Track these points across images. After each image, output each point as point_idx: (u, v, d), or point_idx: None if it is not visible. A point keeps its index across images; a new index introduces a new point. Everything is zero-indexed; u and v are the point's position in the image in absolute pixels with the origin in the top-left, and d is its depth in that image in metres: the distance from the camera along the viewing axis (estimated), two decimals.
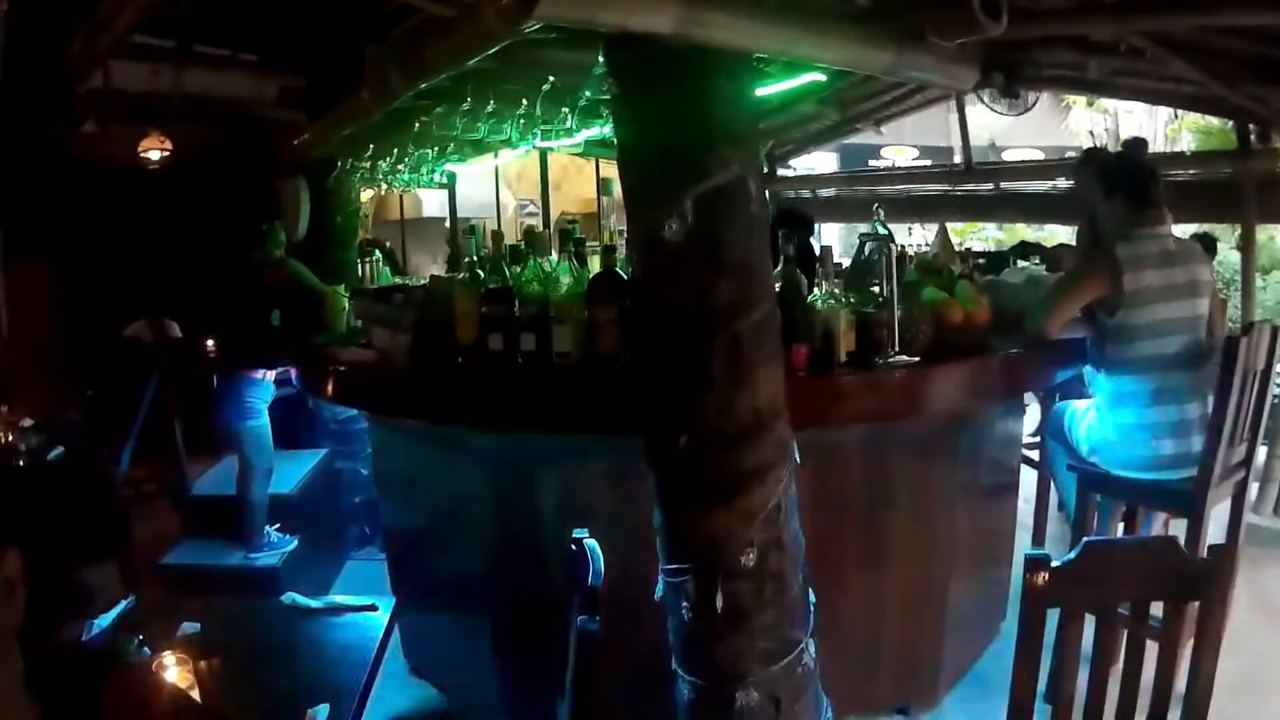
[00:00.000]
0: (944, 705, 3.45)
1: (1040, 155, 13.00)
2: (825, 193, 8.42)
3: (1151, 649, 1.85)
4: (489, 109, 4.01)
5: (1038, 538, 4.61)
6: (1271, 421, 4.56)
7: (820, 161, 12.45)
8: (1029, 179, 7.15)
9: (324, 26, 4.68)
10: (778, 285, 2.67)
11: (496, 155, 5.79)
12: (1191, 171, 5.79)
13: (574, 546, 1.98)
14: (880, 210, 3.66)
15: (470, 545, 3.37)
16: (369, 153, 5.34)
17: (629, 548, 2.35)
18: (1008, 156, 13.92)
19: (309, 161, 5.73)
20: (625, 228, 2.69)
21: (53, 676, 1.18)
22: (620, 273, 2.91)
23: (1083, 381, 3.90)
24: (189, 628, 2.14)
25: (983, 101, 7.02)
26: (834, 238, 11.89)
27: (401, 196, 10.60)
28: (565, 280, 3.04)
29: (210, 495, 5.17)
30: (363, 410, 4.45)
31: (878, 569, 3.22)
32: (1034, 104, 7.99)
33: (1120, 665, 1.88)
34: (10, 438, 4.10)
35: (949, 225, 4.20)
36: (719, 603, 2.35)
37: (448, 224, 10.30)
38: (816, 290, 3.02)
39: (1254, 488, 4.35)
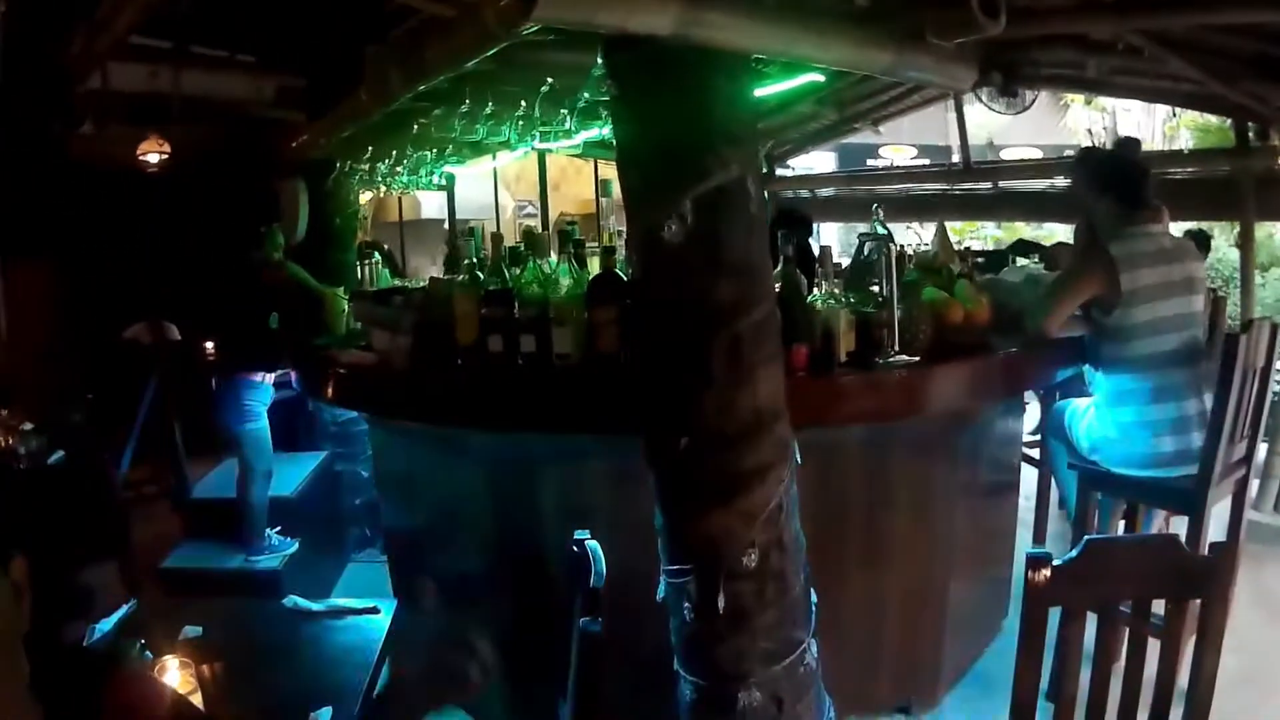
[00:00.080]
0: (945, 704, 3.44)
1: (1038, 154, 13.00)
2: (824, 192, 8.42)
3: (1153, 647, 1.85)
4: (488, 110, 4.01)
5: (1038, 536, 4.62)
6: (1271, 419, 4.56)
7: (819, 161, 12.45)
8: (1027, 178, 7.14)
9: (323, 27, 4.67)
10: (777, 285, 2.67)
11: (495, 157, 5.78)
12: (1190, 169, 5.78)
13: (575, 548, 1.98)
14: (879, 210, 3.66)
15: (471, 547, 3.37)
16: (368, 154, 5.34)
17: (630, 548, 2.35)
18: (1006, 155, 13.93)
19: (308, 163, 5.73)
20: (624, 228, 2.69)
21: (55, 680, 1.18)
22: (620, 274, 2.91)
23: (1083, 380, 3.91)
24: (191, 631, 2.14)
25: (981, 100, 7.05)
26: (833, 237, 11.89)
27: (400, 198, 10.60)
28: (565, 282, 3.04)
29: (210, 498, 5.17)
30: (363, 412, 4.46)
31: (879, 568, 3.22)
32: (1032, 103, 8.02)
33: (1122, 663, 1.88)
34: (10, 441, 4.10)
35: (947, 224, 4.19)
36: (721, 603, 2.35)
37: (446, 225, 10.30)
38: (816, 290, 3.02)
39: (1254, 485, 4.35)
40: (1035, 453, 4.75)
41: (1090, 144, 12.44)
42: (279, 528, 4.89)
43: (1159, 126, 13.77)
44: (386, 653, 2.42)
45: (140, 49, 5.10)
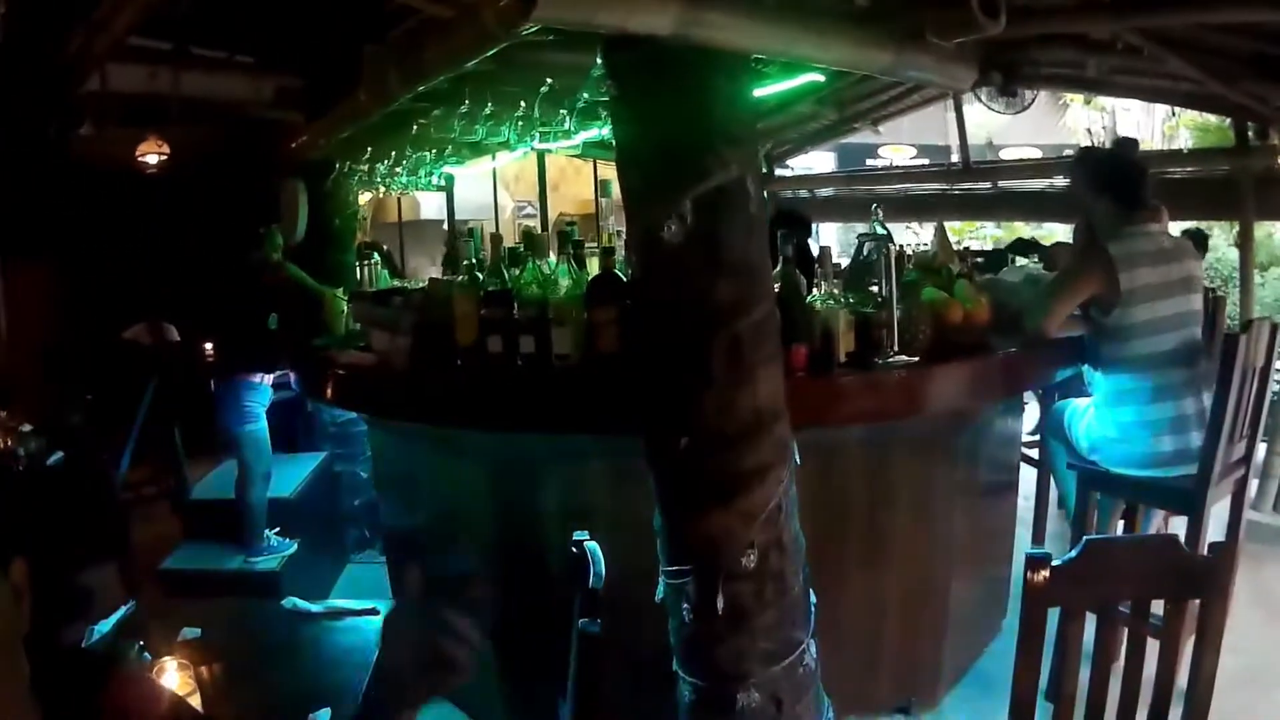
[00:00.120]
0: (945, 704, 3.44)
1: (1038, 153, 13.02)
2: (823, 192, 8.43)
3: (1152, 646, 1.84)
4: (487, 111, 4.01)
5: (1037, 536, 4.61)
6: (1271, 418, 4.57)
7: (818, 161, 12.45)
8: (1027, 177, 7.15)
9: (322, 28, 4.67)
10: (776, 286, 2.67)
11: (494, 157, 5.78)
12: (1189, 169, 5.79)
13: (574, 548, 1.97)
14: (879, 210, 3.66)
15: (471, 547, 3.37)
16: (367, 155, 5.34)
17: (630, 549, 2.35)
18: (1005, 155, 13.94)
19: (307, 164, 5.73)
20: (624, 229, 2.68)
21: (54, 682, 1.18)
22: (619, 274, 2.91)
23: (1082, 380, 3.91)
24: (189, 632, 2.13)
25: (980, 100, 7.04)
26: (832, 237, 11.89)
27: (399, 199, 10.60)
28: (564, 282, 3.04)
29: (210, 499, 5.17)
30: (362, 413, 4.46)
31: (878, 568, 3.22)
32: (1031, 102, 8.01)
33: (1121, 663, 1.87)
34: (9, 442, 4.10)
35: (946, 224, 4.19)
36: (720, 604, 2.34)
37: (446, 226, 10.30)
38: (816, 290, 3.02)
39: (1254, 484, 4.35)
40: (1034, 452, 4.75)
41: (1089, 144, 12.46)
42: (278, 529, 4.89)
43: (1158, 126, 13.79)
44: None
45: (139, 50, 5.10)
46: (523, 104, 3.97)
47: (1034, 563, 1.78)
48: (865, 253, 3.48)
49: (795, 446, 2.46)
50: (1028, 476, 4.55)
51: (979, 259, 4.77)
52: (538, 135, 4.33)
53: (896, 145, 15.58)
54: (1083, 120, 15.65)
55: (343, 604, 2.69)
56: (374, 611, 2.63)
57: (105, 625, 2.29)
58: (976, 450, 3.55)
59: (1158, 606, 1.91)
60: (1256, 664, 3.38)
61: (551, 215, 10.64)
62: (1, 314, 5.52)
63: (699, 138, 2.34)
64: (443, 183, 6.67)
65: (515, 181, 12.66)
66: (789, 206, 7.36)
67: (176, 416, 5.41)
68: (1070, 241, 4.55)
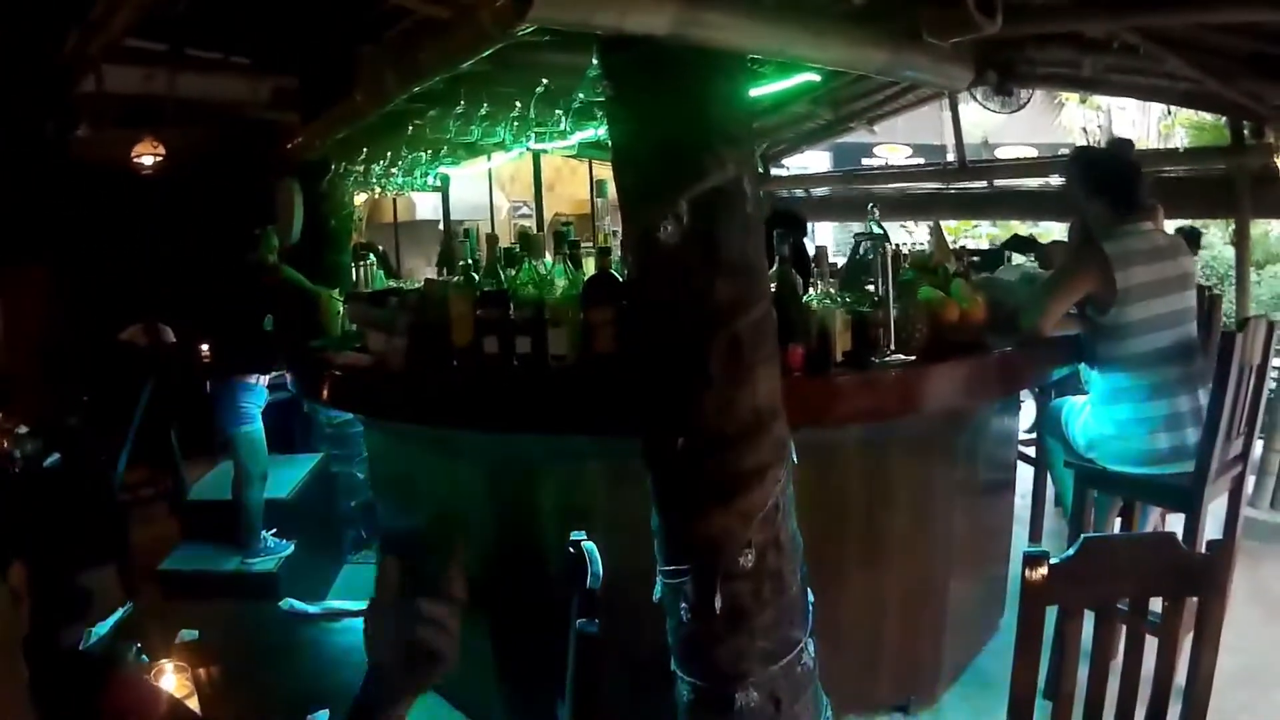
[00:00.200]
0: (944, 703, 3.44)
1: (1034, 152, 13.01)
2: (819, 192, 8.42)
3: (1151, 644, 1.85)
4: (483, 111, 4.00)
5: (1035, 534, 4.62)
6: (1268, 415, 4.57)
7: (814, 161, 12.45)
8: (1023, 176, 7.16)
9: (317, 28, 4.67)
10: (773, 285, 2.67)
11: (490, 158, 5.78)
12: (1185, 167, 5.79)
13: (572, 549, 1.97)
14: (875, 209, 3.66)
15: (468, 548, 3.36)
16: (363, 156, 5.34)
17: (627, 549, 2.35)
18: (1001, 154, 13.97)
19: (303, 164, 5.73)
20: (620, 229, 2.68)
21: (52, 685, 1.18)
22: (615, 274, 2.91)
23: (1078, 378, 3.91)
24: (187, 634, 2.13)
25: (976, 99, 7.03)
26: (828, 237, 11.90)
27: (395, 199, 10.58)
28: (560, 282, 3.04)
29: (207, 500, 5.17)
30: (358, 414, 4.46)
31: (876, 567, 3.22)
32: (1027, 101, 7.99)
33: (1120, 661, 1.88)
34: (6, 444, 4.09)
35: (942, 223, 4.19)
36: (718, 603, 2.34)
37: (441, 226, 10.29)
38: (812, 290, 3.01)
39: (1251, 481, 4.35)
40: (1031, 451, 4.75)
41: (1085, 143, 12.47)
42: (275, 530, 4.89)
43: (1154, 125, 13.81)
44: None
45: (135, 51, 5.10)
46: (518, 104, 3.97)
47: (1032, 561, 1.78)
48: (862, 252, 3.48)
49: (792, 446, 2.46)
50: (1025, 475, 4.56)
51: (975, 258, 4.77)
52: (533, 136, 4.32)
53: (892, 144, 15.57)
54: (1078, 119, 15.66)
55: (340, 605, 2.70)
56: None
57: (103, 627, 2.29)
58: (974, 449, 3.55)
59: (1156, 604, 1.92)
60: (1255, 662, 3.38)
61: (547, 215, 10.64)
62: None
63: (696, 137, 2.33)
64: (438, 183, 6.67)
65: (511, 182, 12.65)
66: (784, 206, 7.35)
67: (173, 418, 5.41)
68: (1066, 240, 4.55)
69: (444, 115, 4.09)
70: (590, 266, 3.11)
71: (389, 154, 5.31)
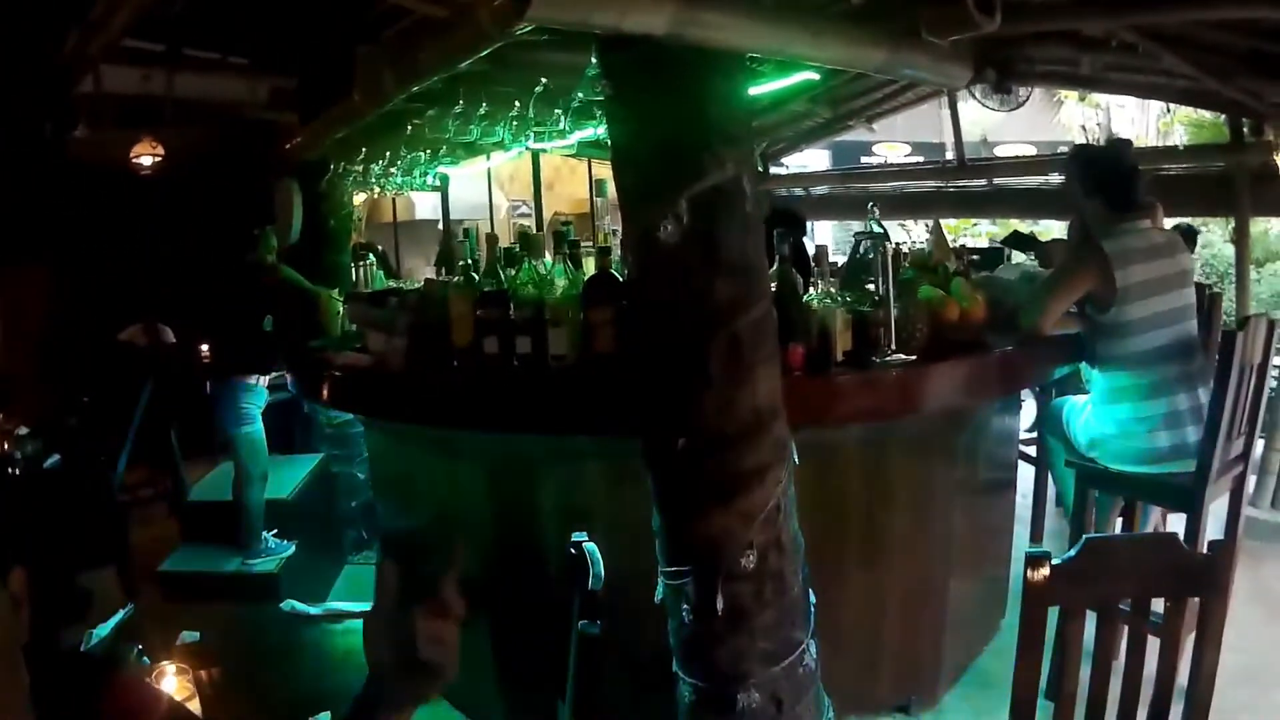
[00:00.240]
0: (945, 703, 3.44)
1: (1033, 150, 13.00)
2: (818, 191, 8.42)
3: (1153, 644, 1.85)
4: (482, 111, 4.00)
5: (1036, 534, 4.61)
6: (1269, 415, 4.57)
7: (813, 159, 12.44)
8: (1022, 174, 7.15)
9: (316, 28, 4.66)
10: (773, 285, 2.66)
11: (489, 157, 5.78)
12: (1185, 165, 5.79)
13: (573, 549, 1.97)
14: (875, 208, 3.65)
15: (469, 548, 3.35)
16: (362, 155, 5.33)
17: (628, 550, 2.35)
18: (1000, 152, 13.95)
19: (301, 164, 5.72)
20: (619, 228, 2.68)
21: (53, 687, 1.17)
22: (615, 274, 2.90)
23: (1079, 377, 3.90)
24: (188, 636, 2.13)
25: (975, 97, 7.02)
26: (828, 236, 11.89)
27: (394, 199, 10.57)
28: (560, 282, 3.04)
29: (207, 501, 5.17)
30: (358, 414, 4.45)
31: (877, 568, 3.22)
32: (1026, 99, 7.99)
33: (1121, 661, 1.88)
34: (6, 445, 4.09)
35: (942, 221, 4.19)
36: (719, 604, 2.34)
37: (441, 226, 10.28)
38: (812, 289, 3.01)
39: (1252, 481, 4.35)
40: (1032, 450, 4.75)
41: (1084, 141, 12.46)
42: (275, 530, 4.88)
43: (1153, 122, 13.81)
44: None
45: (133, 52, 5.10)
46: (517, 104, 3.97)
47: (1034, 561, 1.78)
48: (862, 251, 3.48)
49: (793, 446, 2.46)
50: (1025, 474, 4.55)
51: (975, 256, 4.77)
52: (532, 135, 4.33)
53: (891, 143, 15.59)
54: (1078, 117, 15.66)
55: (341, 606, 2.70)
56: None
57: (104, 629, 2.28)
58: (974, 448, 3.55)
59: (1158, 604, 1.91)
60: (1256, 661, 3.38)
61: (546, 215, 10.63)
62: None
63: (695, 137, 2.33)
64: (437, 183, 6.66)
65: (510, 181, 12.64)
66: (783, 205, 7.35)
67: (173, 418, 5.41)
68: (1065, 238, 4.55)
69: (443, 115, 4.09)
70: (590, 266, 3.11)
71: (388, 154, 5.30)
